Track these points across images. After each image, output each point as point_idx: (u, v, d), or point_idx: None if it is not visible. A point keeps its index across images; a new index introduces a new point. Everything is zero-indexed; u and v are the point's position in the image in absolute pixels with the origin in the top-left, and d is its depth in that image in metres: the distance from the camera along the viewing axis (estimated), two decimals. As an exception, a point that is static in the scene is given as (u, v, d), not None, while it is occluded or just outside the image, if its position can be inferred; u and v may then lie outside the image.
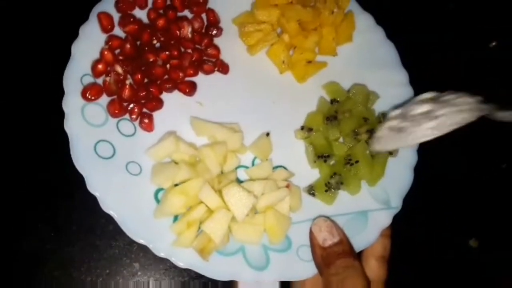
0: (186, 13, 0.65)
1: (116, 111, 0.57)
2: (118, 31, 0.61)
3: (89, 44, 0.59)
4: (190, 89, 0.62)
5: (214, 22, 0.66)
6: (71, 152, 0.53)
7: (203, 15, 0.66)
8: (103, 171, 0.54)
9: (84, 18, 0.60)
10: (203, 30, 0.65)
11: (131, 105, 0.59)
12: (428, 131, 0.50)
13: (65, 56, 0.58)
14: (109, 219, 0.60)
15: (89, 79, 0.58)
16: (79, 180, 0.62)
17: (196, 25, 0.64)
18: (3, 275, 0.61)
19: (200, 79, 0.63)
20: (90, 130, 0.55)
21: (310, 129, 0.61)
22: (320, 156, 0.59)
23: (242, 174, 0.59)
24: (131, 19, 0.61)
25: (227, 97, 0.63)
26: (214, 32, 0.65)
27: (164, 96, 0.61)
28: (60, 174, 0.63)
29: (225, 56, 0.65)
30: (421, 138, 0.50)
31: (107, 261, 0.63)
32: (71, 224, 0.63)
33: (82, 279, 0.62)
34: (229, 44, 0.66)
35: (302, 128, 0.62)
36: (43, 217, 0.63)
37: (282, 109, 0.64)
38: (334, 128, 0.61)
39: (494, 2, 0.79)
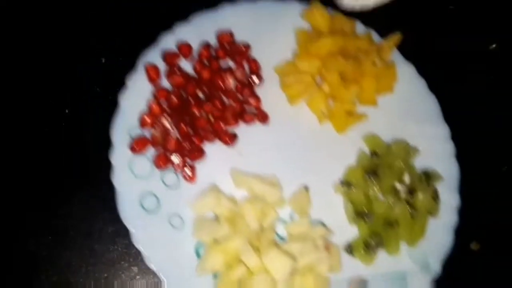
0: (229, 61, 0.66)
1: (162, 163, 0.59)
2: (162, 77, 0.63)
3: (136, 94, 0.61)
4: (231, 139, 0.63)
5: (255, 71, 0.67)
6: (118, 206, 0.55)
7: (245, 63, 0.67)
8: (148, 225, 0.55)
9: (128, 65, 0.62)
10: (245, 79, 0.66)
11: (175, 156, 0.60)
12: None
13: (109, 102, 0.60)
14: (106, 222, 0.60)
15: (136, 131, 0.59)
16: (76, 183, 0.62)
17: (238, 74, 0.65)
18: (1, 281, 0.61)
19: (240, 128, 0.64)
20: (136, 183, 0.57)
21: (349, 184, 0.62)
22: (359, 215, 0.59)
23: (280, 227, 0.60)
24: (177, 72, 0.62)
25: (266, 147, 0.64)
26: (255, 80, 0.66)
27: (205, 145, 0.62)
28: (57, 177, 0.64)
29: (265, 104, 0.66)
30: None
31: (106, 265, 0.62)
32: (68, 228, 0.62)
33: (80, 283, 0.61)
34: (269, 93, 0.66)
35: (341, 182, 0.62)
36: (40, 221, 0.63)
37: (321, 160, 0.64)
38: (374, 184, 0.61)
39: (495, 4, 0.77)
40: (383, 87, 0.67)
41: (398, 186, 0.62)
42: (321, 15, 0.67)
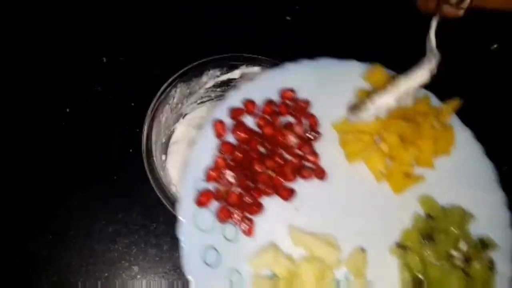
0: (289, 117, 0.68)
1: (224, 216, 0.61)
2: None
3: (203, 149, 0.63)
4: (289, 194, 0.64)
5: (314, 127, 0.68)
6: (183, 260, 0.57)
7: (304, 119, 0.68)
8: (209, 279, 0.57)
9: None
10: (304, 135, 0.68)
11: (235, 209, 0.62)
12: None
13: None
14: (106, 222, 0.61)
15: (201, 184, 0.62)
16: (77, 183, 0.64)
17: (298, 129, 0.67)
18: (1, 281, 0.62)
19: (297, 183, 0.65)
20: (200, 236, 0.59)
21: (405, 247, 0.62)
22: (415, 281, 0.60)
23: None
24: (242, 128, 0.65)
25: (323, 204, 0.65)
26: (314, 136, 0.68)
27: (263, 199, 0.64)
28: (57, 177, 0.65)
29: (323, 160, 0.67)
30: None
31: (106, 265, 0.62)
32: (69, 228, 0.63)
33: (80, 283, 0.61)
34: (327, 149, 0.68)
35: (397, 245, 0.63)
36: (40, 221, 0.63)
37: (377, 219, 0.65)
38: (429, 249, 0.62)
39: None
40: (440, 149, 0.68)
41: (454, 253, 0.62)
42: (382, 77, 0.69)
